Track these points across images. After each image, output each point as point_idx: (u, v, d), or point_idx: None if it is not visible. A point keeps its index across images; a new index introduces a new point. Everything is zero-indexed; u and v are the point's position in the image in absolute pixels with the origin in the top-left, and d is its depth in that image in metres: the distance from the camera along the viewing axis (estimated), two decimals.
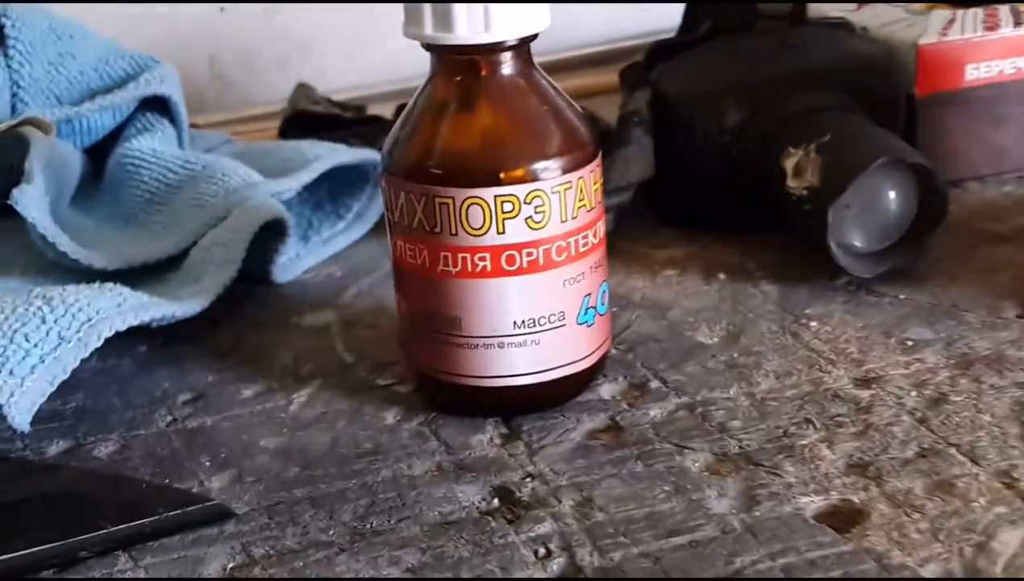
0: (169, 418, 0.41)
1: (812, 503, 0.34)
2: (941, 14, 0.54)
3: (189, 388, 0.42)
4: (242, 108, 0.73)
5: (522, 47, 0.37)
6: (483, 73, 0.36)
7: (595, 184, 0.38)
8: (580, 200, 0.37)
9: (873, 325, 0.43)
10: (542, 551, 0.32)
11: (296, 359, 0.44)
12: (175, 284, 0.47)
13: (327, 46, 0.74)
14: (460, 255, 0.36)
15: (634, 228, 0.51)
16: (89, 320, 0.39)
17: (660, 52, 0.53)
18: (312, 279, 0.51)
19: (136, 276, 0.48)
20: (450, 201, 0.36)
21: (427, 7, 0.35)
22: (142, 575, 0.33)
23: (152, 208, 0.53)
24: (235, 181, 0.51)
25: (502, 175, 0.36)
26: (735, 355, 0.42)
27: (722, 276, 0.48)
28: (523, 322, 0.37)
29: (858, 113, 0.49)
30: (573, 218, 0.37)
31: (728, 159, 0.49)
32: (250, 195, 0.50)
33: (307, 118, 0.62)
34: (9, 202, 0.45)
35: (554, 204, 0.36)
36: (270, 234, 0.49)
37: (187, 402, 0.42)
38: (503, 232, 0.36)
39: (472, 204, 0.36)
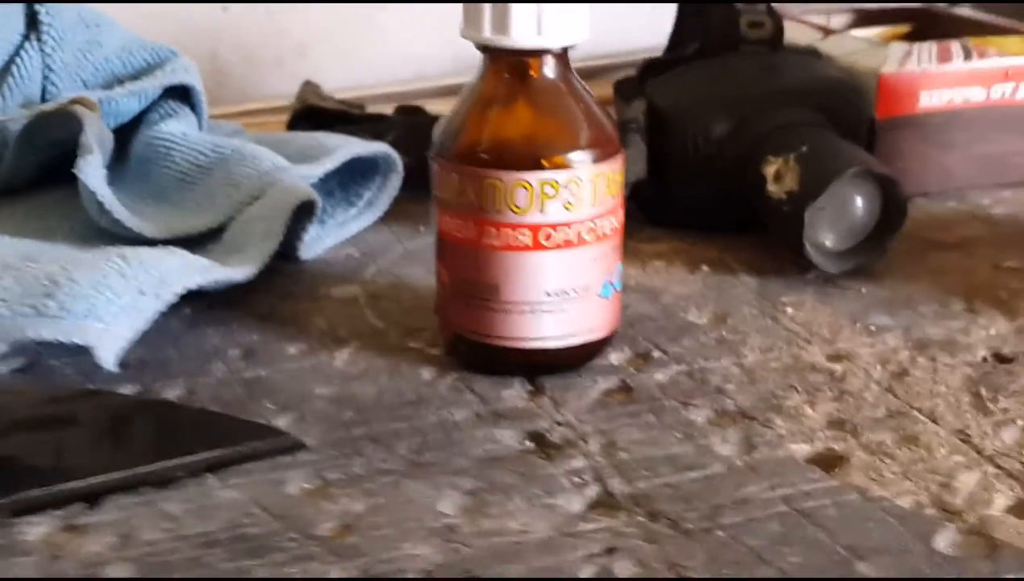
0: (225, 369, 0.45)
1: (801, 449, 0.40)
2: (900, 46, 0.61)
3: (237, 345, 0.47)
4: (240, 102, 0.77)
5: (564, 53, 0.42)
6: (531, 73, 0.42)
7: (619, 175, 0.43)
8: (608, 188, 0.43)
9: (841, 312, 0.50)
10: (578, 480, 0.38)
11: (331, 324, 0.49)
12: (217, 254, 0.52)
13: (324, 47, 0.79)
14: (504, 230, 0.42)
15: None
16: (162, 277, 0.44)
17: (652, 68, 0.59)
18: (333, 258, 0.56)
19: (179, 246, 0.52)
20: (499, 183, 0.41)
21: (487, 12, 0.41)
22: (235, 494, 0.37)
23: (184, 187, 0.57)
24: (266, 164, 0.56)
25: (544, 162, 0.41)
26: (723, 333, 0.48)
27: (705, 268, 0.54)
28: (554, 292, 0.43)
29: (828, 129, 0.55)
30: (601, 203, 0.42)
31: (713, 166, 0.55)
32: (281, 177, 0.55)
33: (316, 113, 0.67)
34: (74, 172, 0.49)
35: (587, 189, 0.42)
36: (298, 214, 0.54)
37: (238, 357, 0.46)
38: (544, 212, 0.42)
39: (520, 186, 0.41)
